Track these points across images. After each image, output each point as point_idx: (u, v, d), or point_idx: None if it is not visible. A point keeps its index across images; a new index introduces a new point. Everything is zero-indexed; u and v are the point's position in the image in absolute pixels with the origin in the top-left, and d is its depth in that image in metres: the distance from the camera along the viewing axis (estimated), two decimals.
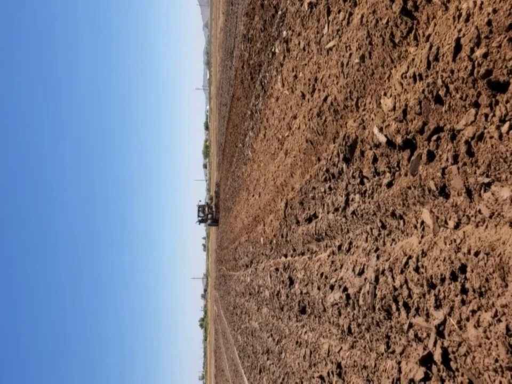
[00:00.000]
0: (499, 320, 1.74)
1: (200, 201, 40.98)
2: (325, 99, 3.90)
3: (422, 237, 2.47)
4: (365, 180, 3.21)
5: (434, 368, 2.25)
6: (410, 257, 2.51)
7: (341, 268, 3.68)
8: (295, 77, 5.11)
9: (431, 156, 2.33)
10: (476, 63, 1.89)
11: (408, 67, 2.52)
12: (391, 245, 2.86)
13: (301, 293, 4.92)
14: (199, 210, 38.83)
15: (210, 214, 35.51)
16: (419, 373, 2.36)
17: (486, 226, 1.92)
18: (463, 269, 2.00)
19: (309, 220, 4.74)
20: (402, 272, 2.57)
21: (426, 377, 2.31)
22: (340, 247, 3.83)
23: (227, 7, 18.42)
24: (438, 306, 2.20)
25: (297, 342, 5.13)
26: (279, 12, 6.01)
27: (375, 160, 3.02)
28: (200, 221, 39.26)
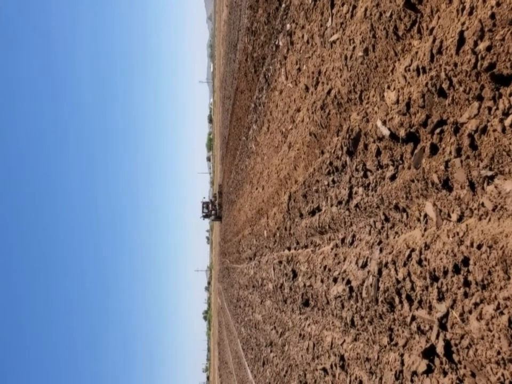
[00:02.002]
0: (501, 313, 1.75)
1: (204, 198, 44.10)
2: (329, 92, 3.90)
3: (425, 229, 2.48)
4: (368, 173, 3.21)
5: (436, 361, 2.27)
6: (413, 250, 2.52)
7: (344, 260, 3.70)
8: (299, 70, 5.10)
9: (434, 149, 2.33)
10: (479, 56, 1.89)
11: (411, 60, 2.51)
12: (394, 237, 2.87)
13: (304, 285, 4.94)
14: (203, 207, 41.71)
15: (214, 211, 38.53)
16: (422, 366, 2.37)
17: (489, 219, 1.93)
18: (465, 261, 2.01)
19: (312, 212, 4.75)
20: (405, 265, 2.58)
21: (429, 370, 2.33)
22: (343, 240, 3.84)
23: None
24: (440, 299, 2.22)
25: (300, 335, 5.16)
26: (283, 5, 5.99)
27: (378, 153, 3.02)
28: (205, 216, 42.09)
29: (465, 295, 2.01)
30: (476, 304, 1.92)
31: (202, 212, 42.06)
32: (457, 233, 2.11)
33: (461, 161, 2.08)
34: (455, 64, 2.05)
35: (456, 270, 2.07)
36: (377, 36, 2.90)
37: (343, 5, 3.57)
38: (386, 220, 3.00)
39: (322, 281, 4.26)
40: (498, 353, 1.76)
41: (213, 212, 39.66)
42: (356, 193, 3.46)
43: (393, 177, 2.82)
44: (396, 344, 2.72)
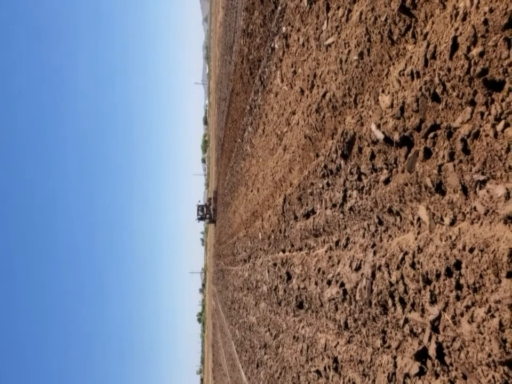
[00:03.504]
0: (492, 316, 1.77)
1: (199, 201, 47.44)
2: (324, 95, 3.92)
3: (418, 233, 2.49)
4: (363, 176, 3.23)
5: (429, 363, 2.28)
6: (406, 253, 2.53)
7: (338, 263, 3.71)
8: (294, 72, 5.12)
9: (427, 153, 2.35)
10: (473, 61, 1.91)
11: (406, 65, 2.53)
12: (387, 241, 2.88)
13: (299, 288, 4.95)
14: (198, 210, 44.42)
15: (209, 214, 40.96)
16: (414, 368, 2.39)
17: (481, 223, 1.94)
18: (458, 265, 2.02)
19: (307, 215, 4.76)
20: (398, 268, 2.60)
21: (421, 372, 2.34)
22: (337, 243, 3.86)
23: (227, 1, 18.37)
24: (433, 301, 2.23)
25: (294, 337, 5.17)
26: (279, 7, 6.01)
27: (372, 156, 3.04)
28: (200, 219, 44.76)
29: (457, 298, 2.02)
30: (468, 307, 1.94)
31: (198, 215, 44.54)
32: (450, 237, 2.13)
33: (454, 166, 2.10)
34: (449, 69, 2.07)
35: (449, 273, 2.09)
36: (372, 40, 2.92)
37: (338, 8, 3.59)
38: (380, 223, 3.01)
39: (316, 283, 4.27)
40: (489, 355, 1.77)
41: (207, 215, 42.07)
42: (350, 196, 3.48)
43: (387, 181, 2.84)
44: (389, 347, 2.73)
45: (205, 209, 43.33)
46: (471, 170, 1.99)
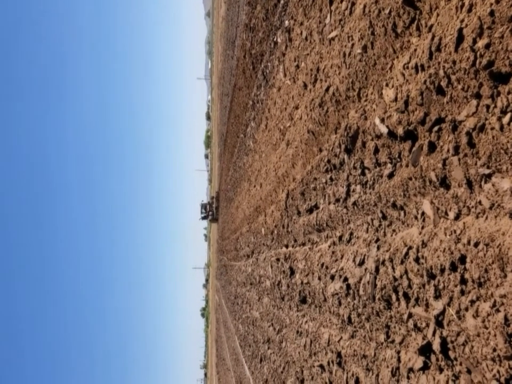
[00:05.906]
0: (498, 310, 1.76)
1: (202, 200, 49.15)
2: (327, 89, 3.89)
3: (423, 227, 2.48)
4: (366, 171, 3.21)
5: (433, 358, 2.27)
6: (410, 247, 2.52)
7: (341, 258, 3.70)
8: (297, 67, 5.09)
9: (432, 147, 2.33)
10: (478, 54, 1.88)
11: (410, 58, 2.51)
12: (391, 235, 2.87)
13: (302, 283, 4.95)
14: (202, 208, 45.97)
15: (211, 212, 42.43)
16: (418, 362, 2.38)
17: (486, 218, 1.93)
18: (462, 259, 2.01)
19: (310, 210, 4.75)
20: (402, 262, 2.58)
21: (425, 367, 2.33)
22: (340, 238, 3.85)
23: None
24: (437, 296, 2.22)
25: (297, 332, 5.17)
26: (281, 1, 5.97)
27: (376, 151, 3.02)
28: (203, 218, 46.48)
29: (462, 292, 2.01)
30: (472, 302, 1.93)
31: (201, 213, 46.07)
32: (455, 231, 2.12)
33: (459, 159, 2.08)
34: (454, 62, 2.05)
35: (453, 267, 2.08)
36: (375, 33, 2.90)
37: (341, 1, 3.56)
38: (384, 217, 3.00)
39: (319, 278, 4.27)
40: (494, 350, 1.76)
41: (210, 213, 43.35)
42: (353, 191, 3.46)
43: (391, 175, 2.82)
44: (393, 341, 2.73)
45: (208, 207, 44.33)
46: (476, 164, 1.97)
